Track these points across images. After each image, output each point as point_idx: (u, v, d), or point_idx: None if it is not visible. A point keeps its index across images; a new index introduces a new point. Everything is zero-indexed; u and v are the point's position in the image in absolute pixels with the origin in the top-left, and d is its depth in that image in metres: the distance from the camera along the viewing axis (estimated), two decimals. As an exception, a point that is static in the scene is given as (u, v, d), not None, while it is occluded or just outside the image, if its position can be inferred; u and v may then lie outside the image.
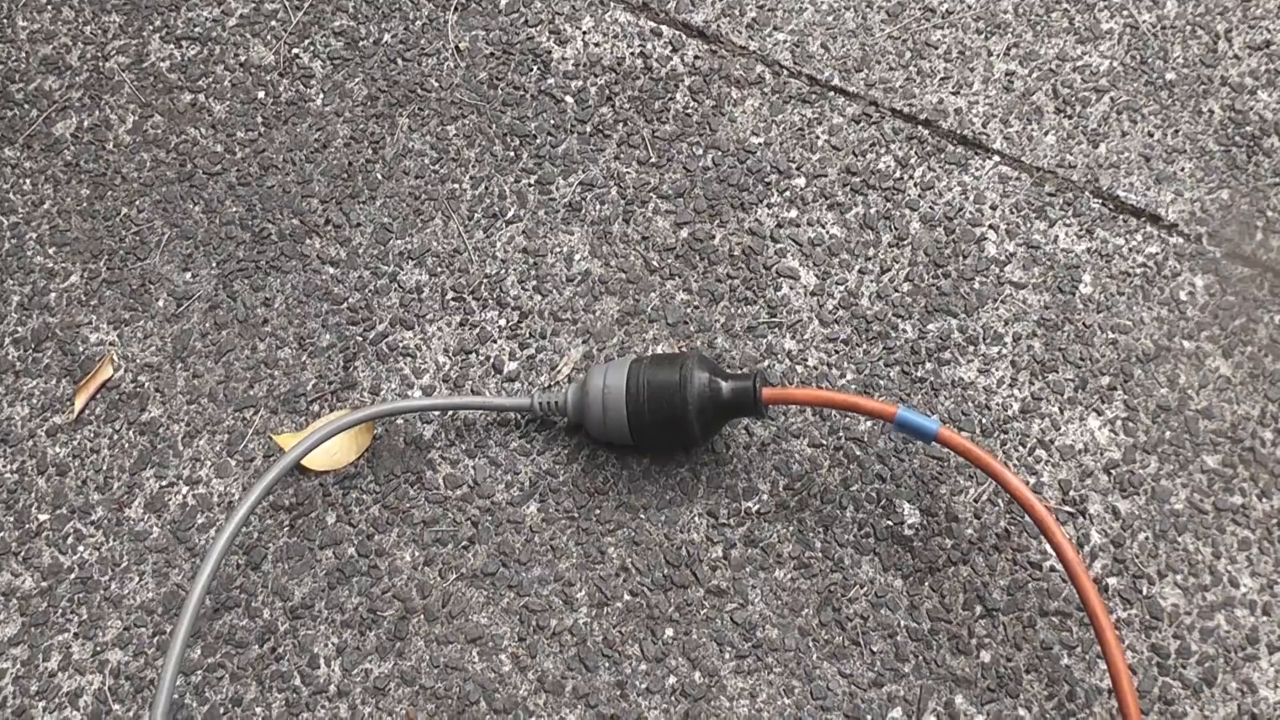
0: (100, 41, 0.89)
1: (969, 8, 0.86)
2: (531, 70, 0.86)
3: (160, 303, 0.79)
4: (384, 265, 0.79)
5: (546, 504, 0.71)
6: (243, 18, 0.89)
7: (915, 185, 0.80)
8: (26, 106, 0.86)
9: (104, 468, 0.74)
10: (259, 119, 0.85)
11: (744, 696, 0.66)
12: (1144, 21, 0.85)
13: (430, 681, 0.67)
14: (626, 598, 0.69)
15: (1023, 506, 0.63)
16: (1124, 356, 0.74)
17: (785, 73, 0.84)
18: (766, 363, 0.75)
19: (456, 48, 0.87)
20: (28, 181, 0.83)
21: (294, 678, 0.67)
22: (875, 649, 0.67)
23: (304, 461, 0.72)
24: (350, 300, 0.78)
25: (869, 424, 0.73)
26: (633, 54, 0.86)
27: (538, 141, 0.83)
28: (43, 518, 0.73)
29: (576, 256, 0.79)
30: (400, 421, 0.74)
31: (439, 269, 0.79)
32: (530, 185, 0.81)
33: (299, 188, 0.82)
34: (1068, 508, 0.70)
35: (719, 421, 0.69)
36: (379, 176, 0.82)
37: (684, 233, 0.79)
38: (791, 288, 0.77)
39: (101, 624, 0.69)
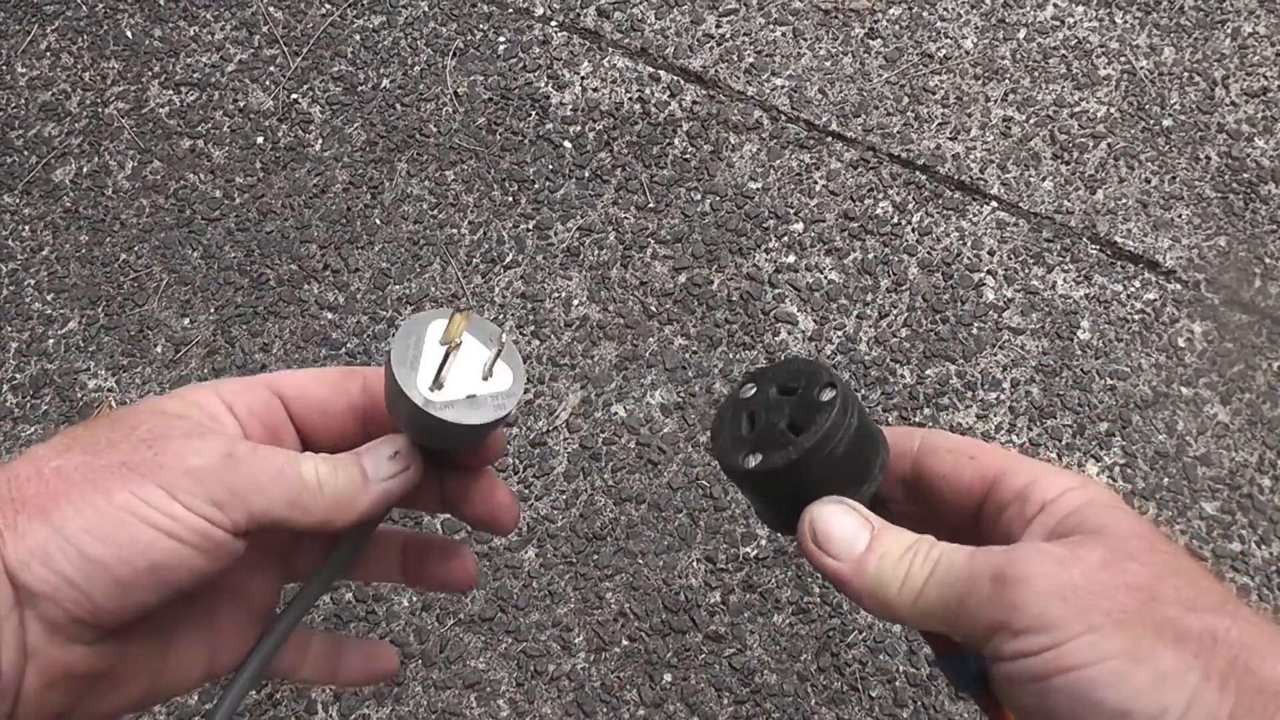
0: (99, 88, 0.94)
1: (966, 54, 0.91)
2: (530, 115, 0.91)
3: (159, 349, 0.83)
4: (382, 310, 0.84)
5: (544, 549, 0.76)
6: (241, 63, 0.94)
7: (913, 230, 0.85)
8: (26, 153, 0.91)
9: (101, 513, 0.78)
10: (258, 164, 0.90)
11: (742, 742, 0.70)
12: (1141, 68, 0.90)
13: (428, 727, 0.71)
14: (625, 643, 0.73)
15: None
16: (1122, 403, 0.78)
17: (783, 118, 0.89)
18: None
19: (455, 93, 0.92)
20: (26, 228, 0.88)
21: (291, 723, 0.71)
22: (874, 694, 0.71)
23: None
24: (348, 345, 0.83)
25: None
26: (631, 99, 0.91)
27: (536, 186, 0.88)
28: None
29: (575, 301, 0.83)
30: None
31: (437, 314, 0.83)
32: (529, 230, 0.86)
33: (297, 233, 0.87)
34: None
35: None
36: (377, 221, 0.87)
37: (682, 278, 0.84)
38: (790, 333, 0.81)
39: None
